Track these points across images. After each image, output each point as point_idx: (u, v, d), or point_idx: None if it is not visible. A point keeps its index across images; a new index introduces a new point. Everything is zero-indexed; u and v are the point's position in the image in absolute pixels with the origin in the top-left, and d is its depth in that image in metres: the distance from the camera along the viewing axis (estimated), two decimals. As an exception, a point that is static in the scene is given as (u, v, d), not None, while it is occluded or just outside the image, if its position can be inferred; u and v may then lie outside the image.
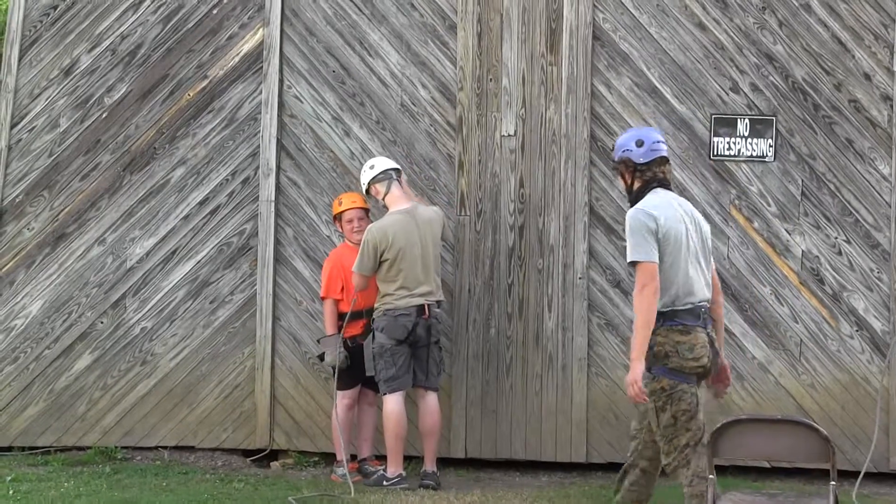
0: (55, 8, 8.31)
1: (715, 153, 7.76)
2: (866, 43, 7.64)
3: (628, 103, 7.82)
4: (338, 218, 7.74)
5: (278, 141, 8.12)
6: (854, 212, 7.64)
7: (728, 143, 7.74)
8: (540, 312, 7.82)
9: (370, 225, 7.49)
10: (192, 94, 8.20)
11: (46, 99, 8.30)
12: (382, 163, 7.57)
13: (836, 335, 7.61)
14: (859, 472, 6.99)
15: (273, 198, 8.08)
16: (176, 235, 8.19)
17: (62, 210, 8.26)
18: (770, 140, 7.71)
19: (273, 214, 8.08)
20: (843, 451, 7.35)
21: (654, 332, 5.44)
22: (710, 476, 5.36)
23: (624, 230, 5.72)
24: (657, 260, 5.44)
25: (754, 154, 7.73)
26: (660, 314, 5.46)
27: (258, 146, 8.13)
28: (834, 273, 7.64)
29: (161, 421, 8.11)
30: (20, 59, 8.29)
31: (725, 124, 7.75)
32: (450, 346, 7.83)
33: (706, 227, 5.73)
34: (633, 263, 5.49)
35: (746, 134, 7.72)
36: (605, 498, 6.76)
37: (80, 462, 7.92)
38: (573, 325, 7.78)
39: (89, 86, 8.27)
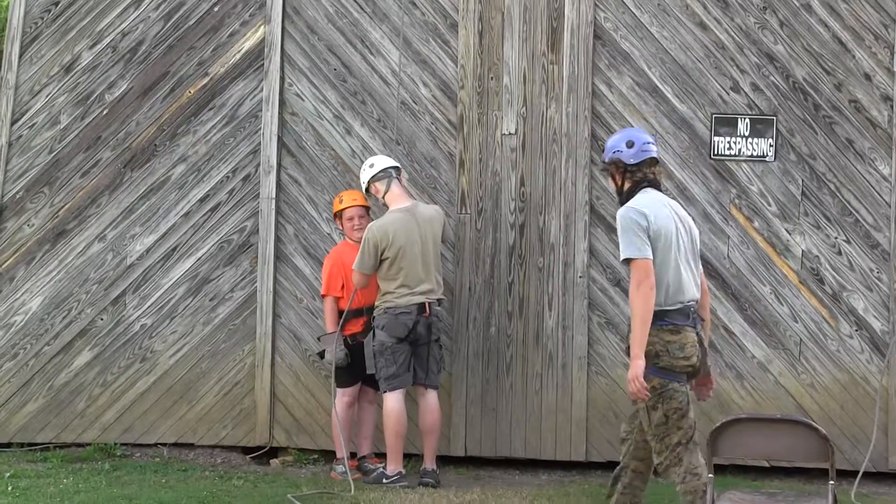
0: (56, 4, 8.31)
1: (715, 153, 7.77)
2: (867, 43, 7.65)
3: (629, 102, 7.82)
4: (338, 216, 7.74)
5: (279, 138, 8.12)
6: (854, 212, 7.65)
7: (728, 142, 7.75)
8: (540, 311, 7.82)
9: (370, 223, 7.49)
10: (192, 92, 8.20)
11: (47, 96, 8.30)
12: (382, 161, 7.57)
13: (836, 335, 7.62)
14: (858, 472, 7.01)
15: (274, 195, 8.08)
16: (176, 232, 8.19)
17: (62, 207, 8.26)
18: (770, 140, 7.72)
19: (274, 212, 8.08)
20: (842, 450, 7.36)
21: None
22: (709, 475, 5.38)
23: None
24: (651, 256, 5.48)
25: (755, 154, 7.73)
26: None
27: (259, 143, 8.13)
28: (834, 273, 7.65)
29: (161, 418, 8.11)
30: (21, 55, 8.29)
31: (726, 124, 7.76)
32: (450, 345, 7.84)
33: (696, 231, 5.79)
34: (627, 261, 5.52)
35: (747, 133, 7.73)
36: (604, 497, 6.76)
37: (80, 458, 7.92)
38: (573, 324, 7.78)
39: (90, 83, 8.28)
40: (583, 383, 7.76)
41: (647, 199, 5.61)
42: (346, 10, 8.10)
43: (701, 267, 5.78)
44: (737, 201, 7.74)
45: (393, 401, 7.29)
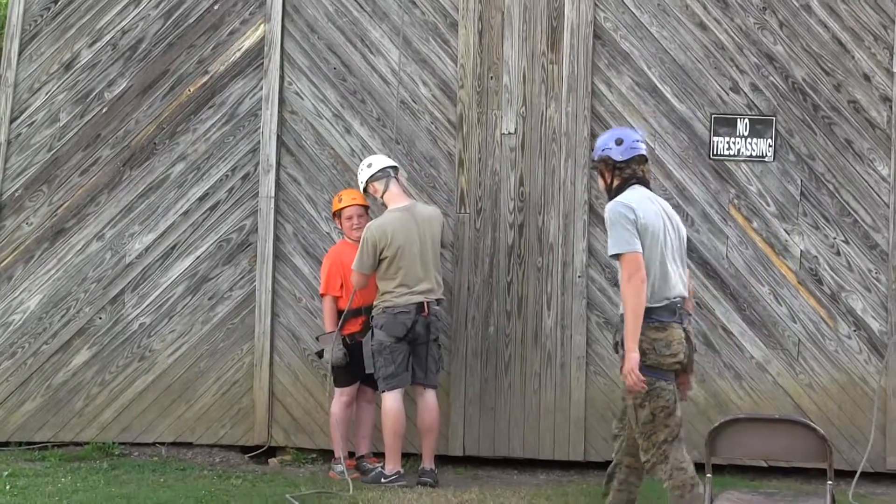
0: (56, 2, 8.30)
1: (714, 153, 7.77)
2: (866, 44, 7.65)
3: (629, 102, 7.83)
4: (337, 215, 7.74)
5: (278, 137, 8.12)
6: (853, 212, 7.65)
7: (728, 142, 7.75)
8: (539, 310, 7.83)
9: (369, 223, 7.49)
10: (192, 90, 8.20)
11: (46, 93, 8.29)
12: (380, 161, 7.57)
13: (834, 335, 7.63)
14: (856, 472, 7.01)
15: (273, 194, 8.08)
16: (175, 231, 8.19)
17: (61, 205, 8.26)
18: (769, 140, 7.72)
19: (273, 211, 8.08)
20: (840, 450, 7.37)
21: None
22: (708, 475, 5.39)
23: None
24: (641, 249, 5.51)
25: (754, 154, 7.74)
26: None
27: (258, 142, 8.13)
28: (832, 273, 7.65)
29: (159, 417, 8.11)
30: (20, 53, 8.29)
31: (725, 124, 7.76)
32: (449, 344, 7.84)
33: (683, 230, 5.87)
34: (616, 256, 5.56)
35: (746, 134, 7.74)
36: (601, 496, 6.75)
37: (78, 458, 7.92)
38: (572, 324, 7.79)
39: (89, 81, 8.27)
40: (581, 383, 7.76)
41: (635, 195, 5.68)
42: (346, 8, 8.10)
43: (687, 271, 5.82)
44: (736, 201, 7.75)
45: (391, 400, 7.29)
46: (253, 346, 8.07)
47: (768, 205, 7.72)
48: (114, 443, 8.08)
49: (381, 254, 7.32)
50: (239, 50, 8.18)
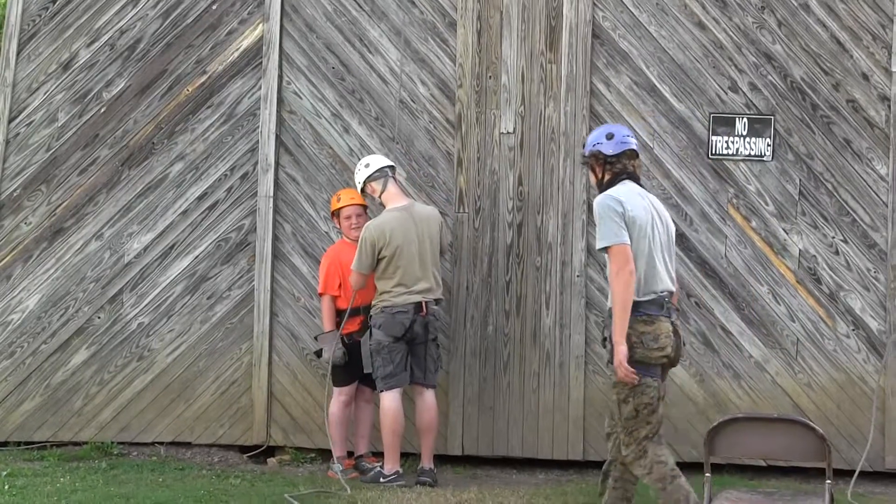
0: (54, 2, 8.30)
1: (713, 152, 7.77)
2: (864, 43, 7.65)
3: (627, 102, 7.83)
4: (336, 214, 7.74)
5: (277, 137, 8.11)
6: (851, 211, 7.66)
7: (726, 142, 7.76)
8: (538, 310, 7.83)
9: (367, 223, 7.49)
10: (190, 90, 8.20)
11: (45, 93, 8.29)
12: (377, 161, 7.57)
13: (833, 334, 7.63)
14: (855, 471, 7.02)
15: (271, 194, 8.08)
16: (174, 231, 8.18)
17: (60, 205, 8.26)
18: (768, 139, 7.72)
19: (271, 210, 8.08)
20: (838, 450, 7.37)
21: None
22: (706, 474, 5.39)
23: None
24: (629, 242, 5.54)
25: (752, 153, 7.74)
26: None
27: (257, 142, 8.13)
28: (831, 272, 7.65)
29: (158, 416, 8.11)
30: (18, 53, 8.29)
31: (724, 123, 7.76)
32: (447, 343, 7.84)
33: (672, 226, 5.92)
34: (605, 249, 5.58)
35: (745, 133, 7.74)
36: (598, 495, 6.76)
37: (77, 457, 7.91)
38: (571, 323, 7.79)
39: (88, 80, 8.27)
40: (580, 382, 7.76)
41: (624, 189, 5.73)
42: (345, 8, 8.10)
43: (674, 261, 5.85)
44: (734, 201, 7.75)
45: (390, 400, 7.29)
46: (252, 345, 8.07)
47: (767, 204, 7.72)
48: (112, 442, 8.08)
49: (379, 253, 7.32)
50: (237, 49, 8.18)
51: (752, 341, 7.68)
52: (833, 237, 7.66)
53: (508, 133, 7.90)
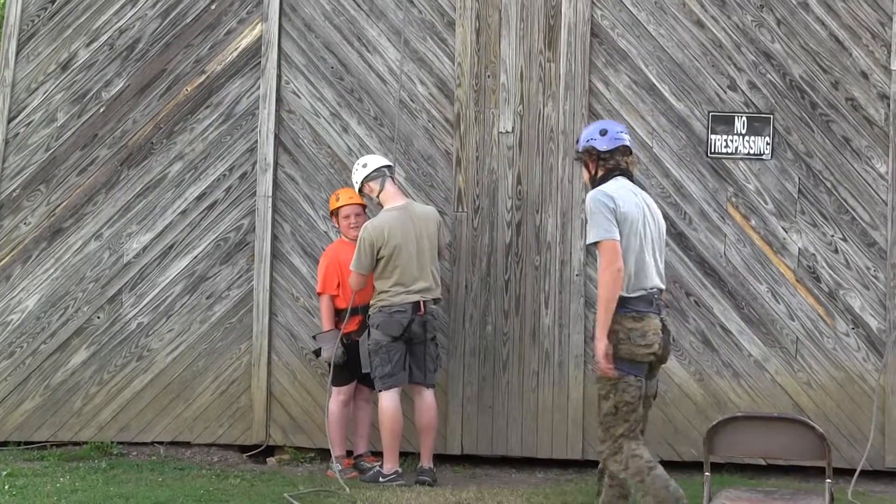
0: (53, 2, 8.30)
1: (712, 151, 7.77)
2: (864, 41, 7.65)
3: (626, 100, 7.82)
4: (334, 214, 7.73)
5: (276, 136, 8.11)
6: (850, 210, 7.65)
7: (725, 140, 7.75)
8: (537, 309, 7.82)
9: (366, 223, 7.48)
10: (189, 89, 8.20)
11: (44, 93, 8.29)
12: (375, 161, 7.56)
13: (833, 333, 7.62)
14: (855, 470, 7.02)
15: (270, 193, 8.08)
16: (173, 230, 8.18)
17: (59, 205, 8.26)
18: (767, 138, 7.72)
19: (270, 210, 8.08)
20: (838, 448, 7.37)
21: None
22: (706, 473, 5.39)
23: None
24: (619, 237, 5.55)
25: (751, 152, 7.74)
26: None
27: (256, 141, 8.13)
28: (830, 271, 7.65)
29: (157, 416, 8.11)
30: (17, 53, 8.28)
31: (723, 122, 7.76)
32: (446, 343, 7.84)
33: (663, 223, 5.93)
34: (595, 244, 5.58)
35: (744, 132, 7.73)
36: (595, 495, 6.76)
37: (77, 457, 7.92)
38: (570, 322, 7.78)
39: (87, 80, 8.27)
40: (579, 381, 7.75)
41: (615, 186, 5.74)
42: (344, 7, 8.09)
43: (664, 259, 5.87)
44: (733, 199, 7.75)
45: (388, 399, 7.29)
46: (251, 345, 8.07)
47: (766, 203, 7.72)
48: (112, 442, 8.08)
49: (378, 253, 7.32)
50: (236, 49, 8.18)
51: (751, 340, 7.68)
52: (832, 236, 7.66)
53: (507, 132, 7.90)
